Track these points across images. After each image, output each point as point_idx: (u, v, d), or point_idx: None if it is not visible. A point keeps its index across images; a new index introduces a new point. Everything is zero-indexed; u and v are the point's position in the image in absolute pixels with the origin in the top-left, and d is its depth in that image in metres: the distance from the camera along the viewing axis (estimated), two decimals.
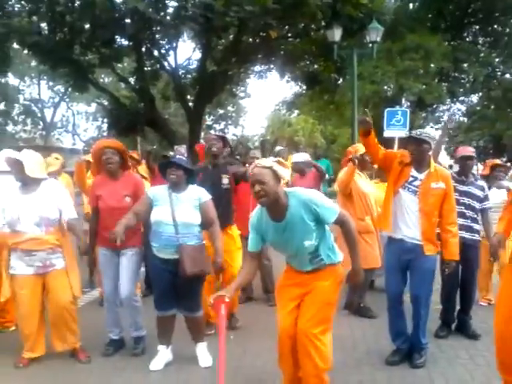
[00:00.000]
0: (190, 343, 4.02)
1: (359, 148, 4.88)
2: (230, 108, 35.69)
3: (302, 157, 6.67)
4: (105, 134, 35.70)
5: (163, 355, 3.89)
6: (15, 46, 15.14)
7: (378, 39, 12.47)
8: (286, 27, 13.28)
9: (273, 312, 5.16)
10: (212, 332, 4.34)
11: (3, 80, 28.92)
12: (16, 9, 13.99)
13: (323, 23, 13.08)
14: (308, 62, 17.15)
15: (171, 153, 8.30)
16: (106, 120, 34.36)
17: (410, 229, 3.73)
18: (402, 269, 3.84)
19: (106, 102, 30.25)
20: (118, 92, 19.55)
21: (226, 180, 4.49)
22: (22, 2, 13.94)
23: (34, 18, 14.12)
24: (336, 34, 12.18)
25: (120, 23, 11.50)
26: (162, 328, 3.88)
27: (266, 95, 48.84)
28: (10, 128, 32.81)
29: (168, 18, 10.61)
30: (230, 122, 38.30)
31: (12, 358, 3.95)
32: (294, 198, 2.87)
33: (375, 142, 3.79)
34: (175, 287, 3.75)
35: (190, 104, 16.25)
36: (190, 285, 3.73)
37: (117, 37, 12.65)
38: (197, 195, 3.77)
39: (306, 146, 31.05)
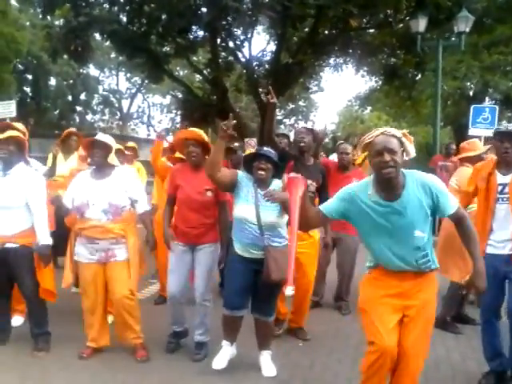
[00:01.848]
0: (252, 349, 3.71)
1: (477, 145, 4.41)
2: (300, 103, 35.11)
3: None
4: (178, 125, 36.85)
5: (226, 352, 3.59)
6: (97, 36, 15.59)
7: (467, 30, 11.49)
8: (367, 17, 12.52)
9: (344, 320, 4.89)
10: (280, 332, 4.14)
11: (84, 71, 30.21)
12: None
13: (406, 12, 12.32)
14: (386, 55, 16.33)
15: (236, 144, 8.02)
16: (179, 112, 35.88)
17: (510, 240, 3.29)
18: (499, 280, 3.34)
19: (179, 95, 31.22)
20: (192, 84, 19.62)
21: (312, 188, 3.91)
22: None
23: (114, 8, 14.46)
24: (421, 24, 11.32)
25: (196, 11, 11.37)
26: (229, 328, 3.60)
27: (338, 90, 47.72)
28: (89, 117, 34.32)
29: (245, 6, 10.31)
30: (300, 117, 37.71)
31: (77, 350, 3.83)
32: (412, 179, 2.47)
33: None
34: (253, 287, 3.47)
35: (262, 97, 15.95)
36: (271, 288, 3.44)
37: (193, 27, 12.52)
38: (278, 188, 3.44)
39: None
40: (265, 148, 3.56)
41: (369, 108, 38.32)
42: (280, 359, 3.72)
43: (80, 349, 3.79)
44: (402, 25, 13.38)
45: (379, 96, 26.73)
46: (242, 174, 3.55)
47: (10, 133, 3.74)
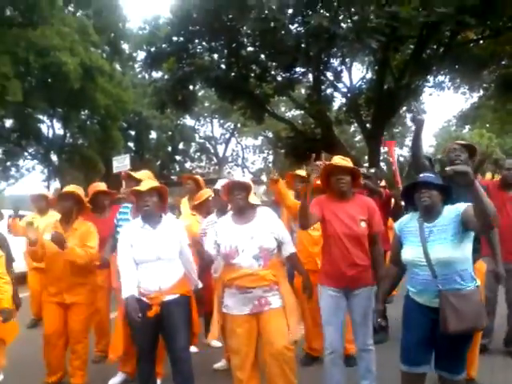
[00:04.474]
0: None
1: None
2: (394, 129, 33.97)
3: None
4: (270, 164, 37.25)
5: None
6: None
7: None
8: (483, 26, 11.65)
9: None
10: None
11: (181, 122, 31.59)
12: (198, 50, 14.84)
13: None
14: (499, 66, 15.17)
15: (372, 170, 7.45)
16: (271, 152, 36.30)
17: None
18: None
19: (270, 135, 31.65)
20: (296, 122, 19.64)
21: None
22: (203, 43, 14.76)
23: (214, 55, 14.92)
24: None
25: (300, 46, 11.24)
26: None
27: (431, 112, 45.98)
28: (187, 165, 35.59)
29: (352, 33, 9.98)
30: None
31: None
32: None
33: None
34: (435, 338, 2.86)
35: (367, 125, 15.44)
36: (455, 341, 2.79)
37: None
38: (454, 214, 2.80)
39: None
40: (423, 174, 3.01)
41: (467, 127, 36.33)
42: None
43: None
44: None
45: (482, 112, 25.25)
46: (398, 223, 3.09)
47: (151, 183, 3.53)
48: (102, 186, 4.88)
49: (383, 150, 15.19)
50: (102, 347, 4.79)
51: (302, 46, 11.28)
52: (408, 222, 3.02)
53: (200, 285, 3.68)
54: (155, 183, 3.57)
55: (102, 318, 4.79)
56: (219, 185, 5.76)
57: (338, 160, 3.50)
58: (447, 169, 2.54)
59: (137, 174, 4.06)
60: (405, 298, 3.04)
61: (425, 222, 2.88)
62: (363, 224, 3.33)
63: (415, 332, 2.90)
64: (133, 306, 3.20)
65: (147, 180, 3.72)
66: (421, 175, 3.02)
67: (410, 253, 2.89)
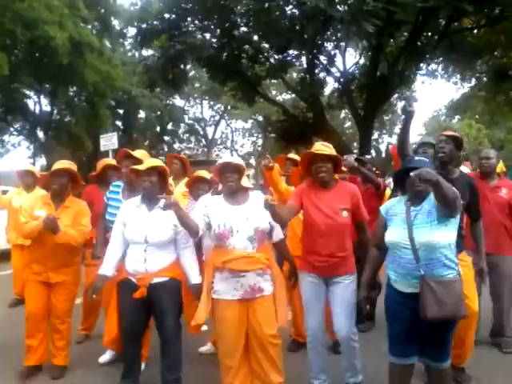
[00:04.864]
0: None
1: None
2: (384, 117, 33.92)
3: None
4: (259, 148, 37.09)
5: None
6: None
7: None
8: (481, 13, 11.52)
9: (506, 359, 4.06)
10: None
11: (170, 102, 31.19)
12: (190, 28, 14.54)
13: None
14: (489, 56, 15.12)
15: (367, 156, 7.35)
16: (260, 135, 36.15)
17: None
18: None
19: (260, 118, 31.46)
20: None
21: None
22: (196, 22, 14.47)
23: (206, 35, 14.64)
24: None
25: (294, 27, 11.04)
26: (397, 378, 2.95)
27: (422, 101, 45.84)
28: (176, 146, 35.29)
29: (348, 15, 9.80)
30: (384, 132, 36.41)
31: None
32: None
33: None
34: (417, 328, 2.80)
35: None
36: (436, 328, 2.74)
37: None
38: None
39: (471, 153, 28.31)
40: (416, 158, 2.93)
41: (456, 117, 36.45)
42: None
43: None
44: None
45: (473, 103, 25.32)
46: (386, 204, 3.04)
47: (151, 162, 3.39)
48: (111, 161, 4.81)
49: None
50: (88, 326, 4.70)
51: (297, 27, 11.08)
52: (394, 204, 2.97)
53: (198, 281, 3.37)
54: (157, 162, 3.43)
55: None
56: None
57: (319, 147, 3.33)
58: (412, 174, 2.51)
59: (135, 153, 3.91)
60: (386, 287, 2.98)
61: (412, 205, 2.83)
62: (344, 213, 3.22)
63: (400, 323, 2.85)
64: (98, 284, 3.36)
65: (149, 159, 3.58)
66: (415, 158, 2.94)
67: (395, 235, 2.83)
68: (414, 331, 2.82)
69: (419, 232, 2.73)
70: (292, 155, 4.96)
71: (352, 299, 3.25)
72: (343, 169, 3.41)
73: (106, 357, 4.10)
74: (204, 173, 4.25)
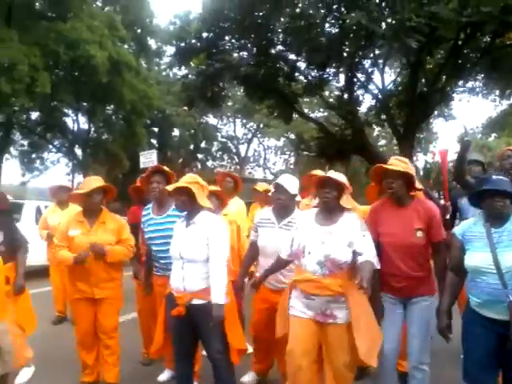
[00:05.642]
0: None
1: None
2: (420, 135, 33.37)
3: None
4: (291, 166, 37.00)
5: None
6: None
7: None
8: None
9: None
10: None
11: (204, 120, 31.50)
12: (227, 47, 14.64)
13: None
14: None
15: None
16: (292, 153, 36.07)
17: None
18: None
19: (293, 136, 31.33)
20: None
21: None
22: (233, 41, 14.56)
23: (243, 53, 14.70)
24: None
25: (332, 44, 10.94)
26: None
27: (459, 118, 44.94)
28: (209, 163, 35.56)
29: (390, 31, 9.64)
30: (418, 150, 35.77)
31: None
32: None
33: None
34: (501, 355, 2.57)
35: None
36: None
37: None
38: None
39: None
40: (494, 177, 2.72)
41: (493, 135, 35.53)
42: None
43: None
44: None
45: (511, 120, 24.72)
46: (460, 227, 2.85)
47: (178, 184, 3.25)
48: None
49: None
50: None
51: (335, 44, 10.97)
52: (471, 226, 2.76)
53: (219, 301, 3.04)
54: (184, 184, 3.19)
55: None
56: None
57: (393, 161, 3.15)
58: None
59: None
60: (466, 312, 2.77)
61: (492, 226, 2.63)
62: (419, 234, 3.03)
63: (479, 349, 2.63)
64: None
65: (184, 178, 3.42)
66: (493, 178, 2.74)
67: (477, 259, 2.63)
68: (495, 358, 2.61)
69: (505, 255, 2.53)
70: (317, 171, 4.50)
71: (429, 322, 3.04)
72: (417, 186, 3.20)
73: (165, 375, 4.06)
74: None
